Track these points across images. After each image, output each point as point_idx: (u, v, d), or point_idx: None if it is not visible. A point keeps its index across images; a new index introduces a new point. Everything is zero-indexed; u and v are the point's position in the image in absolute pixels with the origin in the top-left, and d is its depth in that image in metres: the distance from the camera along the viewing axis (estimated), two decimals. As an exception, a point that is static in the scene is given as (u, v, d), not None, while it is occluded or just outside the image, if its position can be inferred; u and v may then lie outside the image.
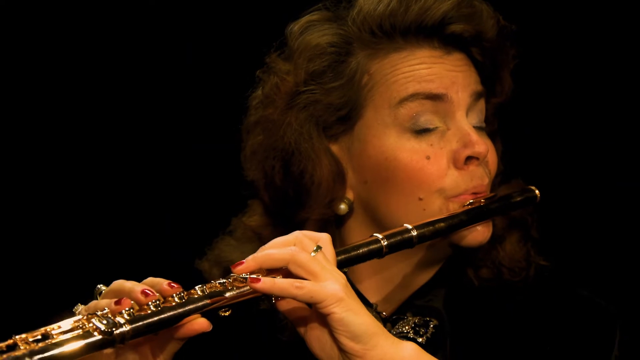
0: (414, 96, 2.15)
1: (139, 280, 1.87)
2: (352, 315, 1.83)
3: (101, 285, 1.89)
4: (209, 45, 3.02)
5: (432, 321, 2.18)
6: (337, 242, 2.22)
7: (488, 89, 2.26)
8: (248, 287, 1.84)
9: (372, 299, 2.22)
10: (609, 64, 2.86)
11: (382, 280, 2.22)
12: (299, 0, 2.29)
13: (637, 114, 2.87)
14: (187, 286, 1.86)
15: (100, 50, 3.03)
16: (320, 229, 2.17)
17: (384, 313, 2.22)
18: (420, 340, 2.16)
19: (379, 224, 2.18)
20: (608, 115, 2.88)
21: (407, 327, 2.18)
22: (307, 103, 2.20)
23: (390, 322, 2.20)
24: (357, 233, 2.22)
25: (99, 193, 3.06)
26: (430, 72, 2.16)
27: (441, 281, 2.23)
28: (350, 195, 2.22)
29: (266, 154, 2.23)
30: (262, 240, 2.25)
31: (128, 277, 1.88)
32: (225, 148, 2.39)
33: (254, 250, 1.91)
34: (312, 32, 2.22)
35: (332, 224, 2.25)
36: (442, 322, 2.19)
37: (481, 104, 2.23)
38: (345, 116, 2.20)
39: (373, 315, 2.03)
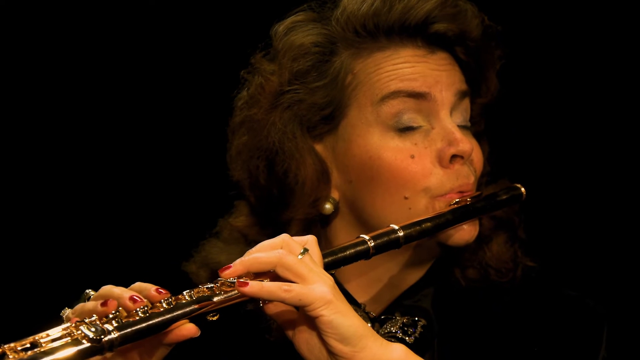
0: (395, 94, 2.15)
1: (127, 283, 1.86)
2: (341, 318, 1.83)
3: (90, 290, 1.88)
4: (195, 48, 3.02)
5: (420, 321, 2.19)
6: (322, 242, 2.22)
7: (473, 89, 2.27)
8: (236, 291, 1.84)
9: (360, 299, 2.21)
10: (596, 64, 2.87)
11: (369, 280, 2.22)
12: (285, 1, 2.29)
13: (623, 114, 2.87)
14: (175, 289, 1.86)
15: (89, 53, 3.02)
16: (305, 228, 2.19)
17: (373, 313, 2.22)
18: (408, 340, 2.16)
19: (365, 224, 2.18)
20: (594, 115, 2.88)
21: (395, 327, 2.18)
22: (291, 103, 2.20)
23: (378, 321, 2.20)
24: (343, 233, 2.22)
25: (86, 195, 3.05)
26: (413, 70, 2.16)
27: (430, 281, 2.23)
28: (335, 195, 2.22)
29: (251, 153, 2.23)
30: (249, 241, 2.26)
31: (114, 279, 1.88)
32: (212, 149, 2.39)
33: (241, 252, 1.91)
34: (296, 32, 2.22)
35: (318, 224, 2.24)
36: (430, 322, 2.19)
37: (466, 103, 2.23)
38: (329, 115, 2.20)
39: (361, 315, 2.04)
